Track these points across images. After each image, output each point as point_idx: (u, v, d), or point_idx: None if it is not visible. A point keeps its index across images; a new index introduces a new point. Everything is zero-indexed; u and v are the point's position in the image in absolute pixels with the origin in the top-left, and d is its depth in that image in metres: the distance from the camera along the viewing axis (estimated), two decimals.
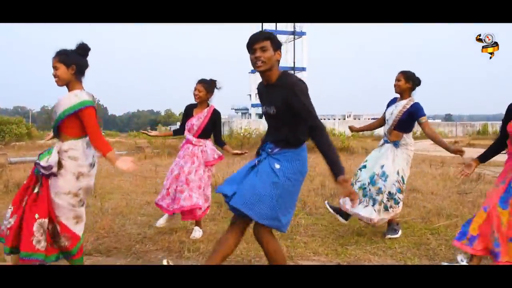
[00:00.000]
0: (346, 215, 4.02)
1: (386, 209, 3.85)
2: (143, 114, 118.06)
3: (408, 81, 3.94)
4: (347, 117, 76.57)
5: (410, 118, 3.88)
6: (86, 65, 2.77)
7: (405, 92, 3.96)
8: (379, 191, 3.84)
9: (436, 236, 4.07)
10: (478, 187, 6.89)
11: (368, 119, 67.96)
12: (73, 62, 2.66)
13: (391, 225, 4.04)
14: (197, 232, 4.02)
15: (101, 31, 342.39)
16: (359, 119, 72.57)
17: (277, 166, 2.40)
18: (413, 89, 3.98)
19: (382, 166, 3.89)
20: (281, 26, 50.98)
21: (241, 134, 17.43)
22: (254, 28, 51.37)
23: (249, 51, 2.44)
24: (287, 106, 2.36)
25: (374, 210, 3.84)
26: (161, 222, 4.17)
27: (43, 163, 2.59)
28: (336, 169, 2.30)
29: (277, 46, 2.43)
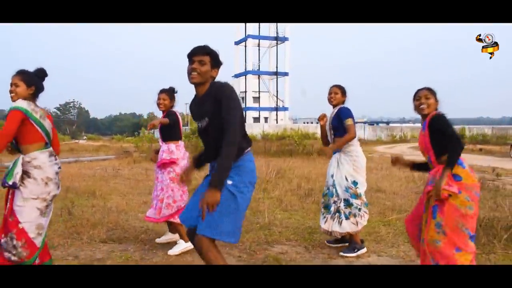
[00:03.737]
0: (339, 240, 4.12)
1: (346, 217, 3.88)
2: (126, 117, 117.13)
3: (344, 95, 4.08)
4: None
5: (339, 121, 3.94)
6: (42, 89, 2.99)
7: (340, 104, 4.07)
8: (336, 199, 3.95)
9: (387, 226, 4.98)
10: None
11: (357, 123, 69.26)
12: (34, 83, 2.91)
13: (352, 243, 3.97)
14: (174, 249, 3.99)
15: (81, 31, 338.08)
16: None
17: (229, 182, 2.35)
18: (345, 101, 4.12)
19: (332, 176, 4.01)
20: (264, 31, 51.74)
21: None
22: (238, 29, 52.06)
23: (188, 61, 2.46)
24: (217, 111, 2.35)
25: (334, 220, 3.93)
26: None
27: (10, 183, 2.74)
28: (213, 179, 2.26)
29: (215, 63, 2.48)
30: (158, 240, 4.30)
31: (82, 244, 4.20)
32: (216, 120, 2.37)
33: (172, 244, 4.11)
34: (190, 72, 2.43)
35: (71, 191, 7.20)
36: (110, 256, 3.85)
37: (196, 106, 2.55)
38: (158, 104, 4.19)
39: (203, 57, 2.42)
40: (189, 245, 3.88)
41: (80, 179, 9.15)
